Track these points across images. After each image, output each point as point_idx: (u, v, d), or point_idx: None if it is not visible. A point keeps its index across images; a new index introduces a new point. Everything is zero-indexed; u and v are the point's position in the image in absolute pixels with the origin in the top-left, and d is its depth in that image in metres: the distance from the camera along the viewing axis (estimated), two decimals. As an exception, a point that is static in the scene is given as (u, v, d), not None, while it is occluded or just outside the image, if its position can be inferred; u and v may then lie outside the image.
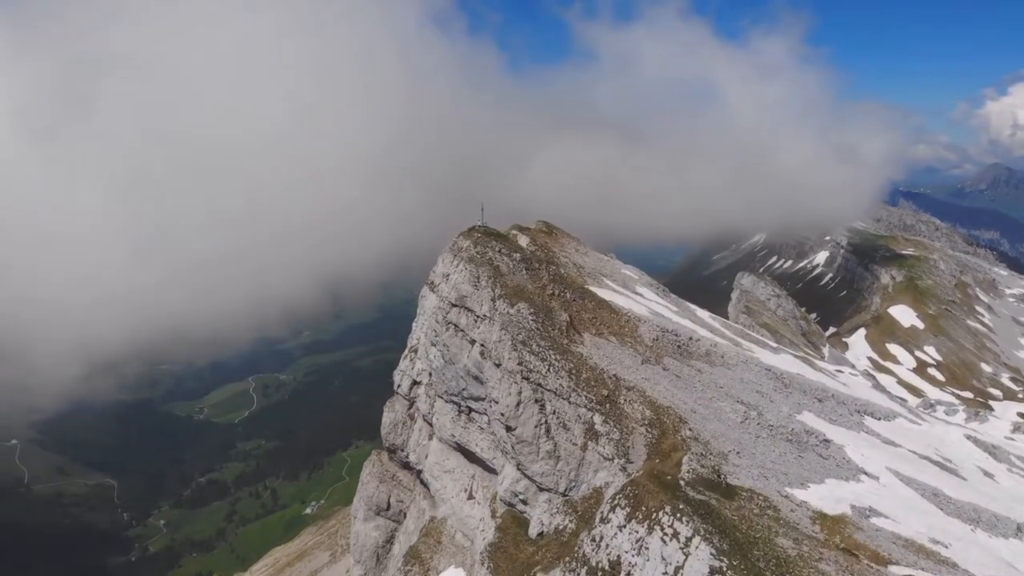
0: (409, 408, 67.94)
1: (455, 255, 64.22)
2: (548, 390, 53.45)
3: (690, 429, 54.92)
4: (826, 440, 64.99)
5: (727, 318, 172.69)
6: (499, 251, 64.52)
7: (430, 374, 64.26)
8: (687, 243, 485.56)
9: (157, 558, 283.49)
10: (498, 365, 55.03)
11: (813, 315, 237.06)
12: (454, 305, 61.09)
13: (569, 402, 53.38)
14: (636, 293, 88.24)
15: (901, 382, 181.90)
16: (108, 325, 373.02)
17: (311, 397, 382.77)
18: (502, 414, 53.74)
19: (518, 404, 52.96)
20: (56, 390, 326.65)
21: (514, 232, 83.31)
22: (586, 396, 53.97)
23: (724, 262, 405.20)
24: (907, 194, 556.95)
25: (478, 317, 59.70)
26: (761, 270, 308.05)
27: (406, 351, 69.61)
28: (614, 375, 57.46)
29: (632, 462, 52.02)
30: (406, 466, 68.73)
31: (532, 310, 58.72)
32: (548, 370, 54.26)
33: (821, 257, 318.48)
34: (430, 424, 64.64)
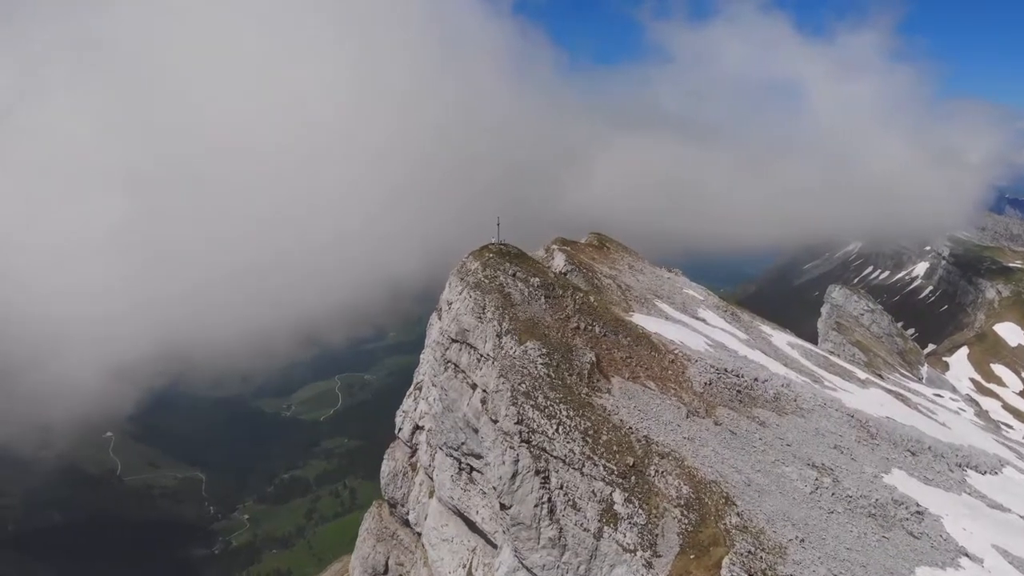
0: (411, 456, 55.90)
1: (461, 279, 51.84)
2: (554, 457, 40.50)
3: (739, 514, 41.14)
4: (919, 511, 50.90)
5: (816, 335, 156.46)
6: (513, 275, 51.72)
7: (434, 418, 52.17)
8: (776, 251, 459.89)
9: (239, 552, 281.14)
10: (494, 421, 42.39)
11: (910, 331, 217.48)
12: (454, 340, 48.72)
13: (582, 473, 40.29)
14: (696, 318, 74.08)
15: (1006, 406, 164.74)
16: (202, 322, 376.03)
17: (393, 397, 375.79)
18: (494, 487, 41.17)
19: (514, 476, 40.19)
20: (150, 384, 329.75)
21: (554, 247, 70.47)
22: (605, 466, 40.78)
23: (816, 271, 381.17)
24: (1014, 201, 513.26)
25: (481, 356, 47.17)
26: (855, 281, 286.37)
27: (411, 387, 57.59)
28: (645, 437, 44.00)
29: (660, 556, 38.69)
30: (408, 523, 56.80)
31: (545, 350, 45.78)
32: (556, 431, 41.31)
33: (920, 268, 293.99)
34: (431, 479, 52.48)
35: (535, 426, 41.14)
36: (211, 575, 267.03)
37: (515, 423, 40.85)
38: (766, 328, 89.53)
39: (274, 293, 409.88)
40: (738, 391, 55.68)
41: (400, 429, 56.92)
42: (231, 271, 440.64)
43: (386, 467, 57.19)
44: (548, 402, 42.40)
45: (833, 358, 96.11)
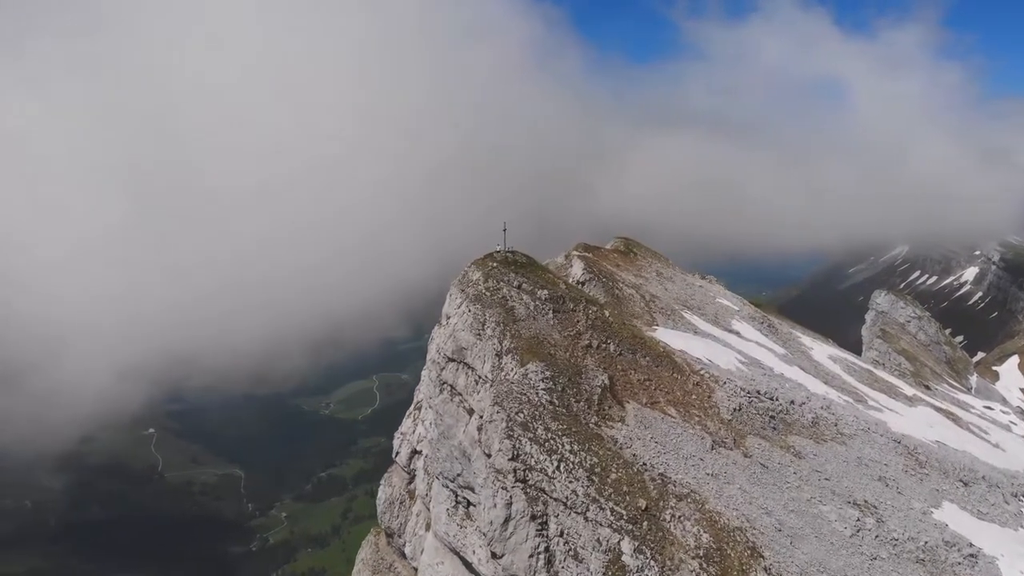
0: (409, 483, 50.35)
1: (461, 290, 46.20)
2: (554, 499, 34.71)
3: (767, 568, 34.98)
4: (972, 553, 44.91)
5: (860, 342, 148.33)
6: (518, 287, 45.91)
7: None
8: (820, 255, 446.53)
9: (276, 550, 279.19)
10: (487, 456, 36.71)
11: (959, 339, 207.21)
12: (450, 359, 43.16)
13: (586, 519, 34.43)
14: (729, 331, 67.56)
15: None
16: (244, 320, 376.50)
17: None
18: (483, 532, 35.55)
19: (506, 521, 34.50)
20: (193, 382, 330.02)
21: (574, 253, 64.60)
22: (612, 509, 34.87)
23: (861, 276, 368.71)
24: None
25: (479, 378, 41.53)
26: (902, 286, 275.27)
27: (411, 407, 52.08)
28: (661, 474, 37.98)
29: (674, 617, 32.78)
30: (405, 555, 51.34)
31: (549, 373, 39.95)
32: (557, 468, 35.49)
33: (969, 274, 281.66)
34: (429, 510, 46.93)
35: (533, 463, 35.38)
36: (248, 572, 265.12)
37: (509, 459, 35.15)
38: (806, 340, 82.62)
39: (311, 294, 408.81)
40: (771, 417, 49.33)
41: (397, 453, 51.43)
42: (266, 275, 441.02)
43: (382, 493, 51.77)
44: (549, 434, 36.59)
45: (878, 372, 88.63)
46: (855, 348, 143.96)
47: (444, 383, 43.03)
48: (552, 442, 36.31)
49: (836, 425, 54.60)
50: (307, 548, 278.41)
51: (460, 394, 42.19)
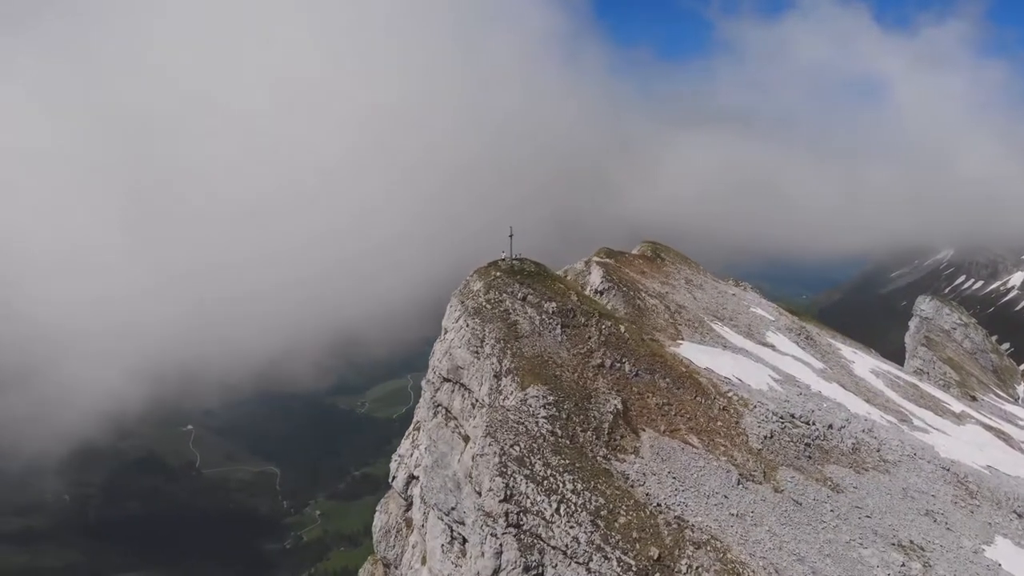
0: (406, 511, 45.67)
1: (461, 302, 41.37)
2: (552, 548, 29.77)
3: (800, 633, 29.66)
4: None
5: (903, 349, 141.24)
6: (522, 299, 40.92)
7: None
8: (862, 258, 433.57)
9: (309, 548, 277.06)
10: (478, 494, 31.84)
11: (1006, 346, 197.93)
12: (445, 379, 38.42)
13: (588, 570, 29.46)
14: (763, 344, 61.88)
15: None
16: (278, 320, 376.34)
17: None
18: (471, 584, 30.79)
19: (496, 572, 29.62)
20: (229, 380, 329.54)
21: (594, 260, 59.43)
22: (620, 559, 29.84)
23: (904, 280, 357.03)
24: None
25: (475, 402, 36.71)
26: (946, 291, 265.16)
27: (411, 427, 47.30)
28: (677, 517, 32.79)
29: None
30: (403, 587, 46.82)
31: (552, 397, 34.98)
32: (557, 511, 30.53)
33: (1017, 278, 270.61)
34: (425, 542, 42.23)
35: (528, 504, 30.48)
36: (281, 569, 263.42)
37: (501, 500, 30.26)
38: (846, 352, 76.55)
39: (345, 293, 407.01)
40: (807, 444, 43.82)
41: (394, 477, 46.68)
42: (301, 273, 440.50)
43: (378, 520, 47.16)
44: (549, 471, 31.63)
45: (923, 385, 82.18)
46: (897, 355, 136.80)
47: (438, 405, 38.37)
48: (552, 480, 31.37)
49: (879, 451, 49.05)
50: (340, 547, 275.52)
51: (455, 418, 37.50)
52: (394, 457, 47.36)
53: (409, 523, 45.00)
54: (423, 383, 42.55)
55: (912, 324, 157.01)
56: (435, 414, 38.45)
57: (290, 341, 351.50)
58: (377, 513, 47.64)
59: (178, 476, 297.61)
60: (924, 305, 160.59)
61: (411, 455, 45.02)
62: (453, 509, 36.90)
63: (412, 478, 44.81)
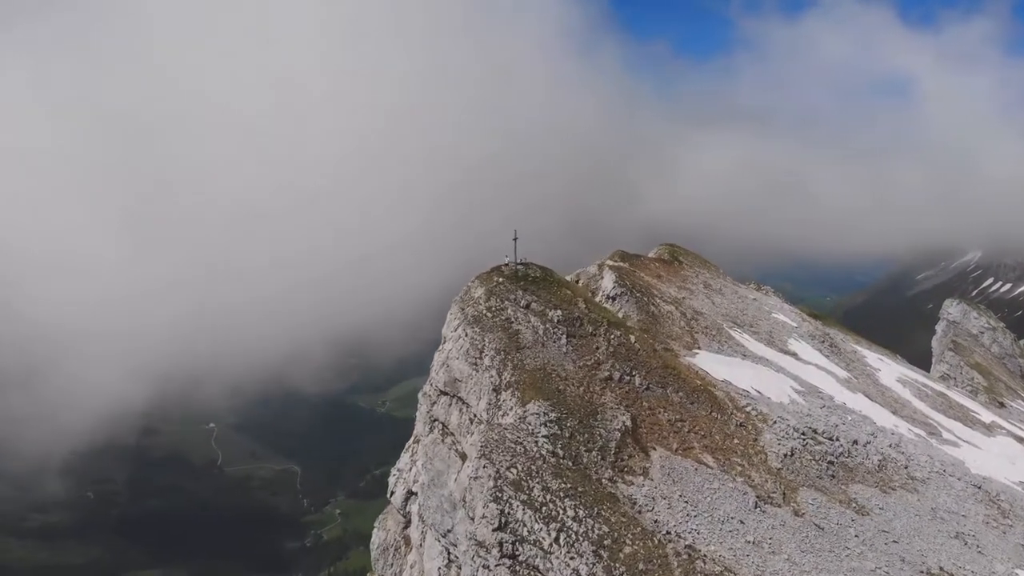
0: (404, 528, 43.13)
1: (461, 309, 38.73)
2: (550, 581, 27.08)
3: None
4: None
5: (930, 352, 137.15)
6: (526, 307, 38.19)
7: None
8: (888, 259, 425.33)
9: (328, 547, 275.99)
10: (471, 519, 29.20)
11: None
12: (443, 392, 35.85)
13: (588, 606, 26.75)
14: (785, 353, 58.70)
15: None
16: (299, 318, 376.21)
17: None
18: (461, 620, 28.15)
19: (487, 608, 26.98)
20: (253, 376, 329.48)
21: (608, 263, 56.57)
22: (623, 594, 27.07)
23: (930, 283, 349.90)
24: None
25: (473, 417, 34.07)
26: (974, 294, 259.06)
27: (411, 440, 44.72)
28: (688, 546, 29.95)
29: None
30: (401, 607, 44.27)
31: (554, 414, 32.25)
32: (556, 540, 27.80)
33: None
34: (423, 563, 39.62)
35: (525, 533, 27.78)
36: (301, 568, 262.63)
37: (495, 529, 27.58)
38: (872, 358, 73.19)
39: (364, 291, 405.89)
40: (830, 462, 40.76)
41: (392, 492, 44.19)
42: (320, 272, 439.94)
43: (376, 538, 44.73)
44: (548, 496, 28.92)
45: (952, 393, 78.59)
46: (923, 358, 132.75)
47: (435, 420, 35.80)
48: (551, 506, 28.66)
49: (907, 468, 45.95)
50: (359, 546, 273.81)
51: (452, 434, 34.91)
52: (393, 471, 44.89)
53: (408, 541, 42.47)
54: (420, 395, 39.98)
55: (939, 328, 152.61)
56: (431, 429, 35.89)
57: (311, 340, 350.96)
58: (375, 529, 45.23)
59: (200, 474, 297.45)
60: (951, 308, 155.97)
61: (410, 469, 42.49)
62: (449, 531, 34.31)
63: (411, 494, 42.26)
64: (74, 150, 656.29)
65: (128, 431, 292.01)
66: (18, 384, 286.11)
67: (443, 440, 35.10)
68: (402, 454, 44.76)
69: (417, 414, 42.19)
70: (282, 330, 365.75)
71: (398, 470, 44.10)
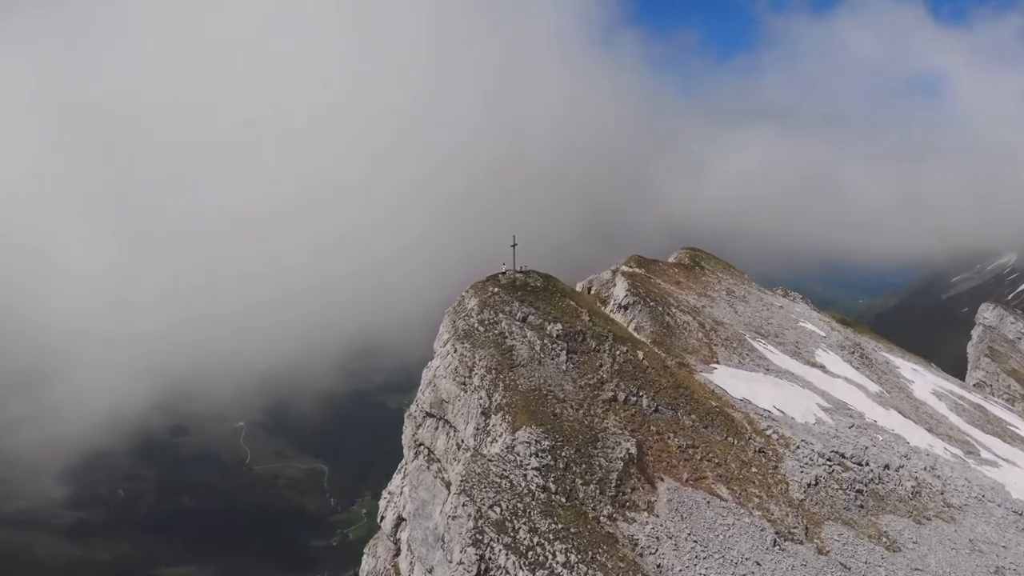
0: (395, 555, 39.74)
1: (452, 322, 35.17)
2: (535, 637, 23.49)
3: None
4: None
5: (965, 359, 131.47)
6: (522, 320, 34.55)
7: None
8: (921, 262, 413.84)
9: (354, 546, 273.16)
10: (449, 562, 25.69)
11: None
12: (429, 414, 32.35)
13: (579, 666, 23.09)
14: (812, 365, 54.38)
15: None
16: (326, 317, 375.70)
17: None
18: None
19: (462, 668, 23.44)
20: (280, 376, 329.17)
21: (622, 269, 52.70)
22: (619, 653, 23.39)
23: (965, 286, 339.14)
24: None
25: (460, 443, 30.54)
26: (1010, 298, 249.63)
27: (403, 460, 41.28)
28: (695, 595, 26.20)
29: None
30: (393, 639, 40.90)
31: (547, 443, 28.66)
32: (542, 590, 24.22)
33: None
34: (412, 593, 36.20)
35: (507, 581, 24.22)
36: (327, 566, 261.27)
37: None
38: (905, 369, 68.46)
39: (390, 291, 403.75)
40: (859, 491, 36.67)
41: (383, 517, 40.78)
42: (342, 272, 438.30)
43: (366, 565, 41.38)
44: (536, 539, 25.31)
45: (989, 405, 73.61)
46: (958, 364, 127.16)
47: (420, 444, 32.40)
48: (539, 550, 25.05)
49: (943, 494, 41.62)
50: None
51: (438, 460, 31.48)
52: (384, 494, 41.51)
53: (398, 570, 39.04)
54: (405, 416, 36.53)
55: (975, 333, 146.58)
56: (416, 454, 32.50)
57: (337, 339, 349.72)
58: (365, 556, 41.88)
59: (229, 472, 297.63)
60: (987, 313, 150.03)
61: (401, 493, 39.06)
62: (434, 568, 30.83)
63: (401, 520, 38.85)
64: (78, 153, 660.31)
65: (159, 430, 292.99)
66: (48, 382, 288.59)
67: (428, 467, 31.67)
68: (395, 475, 41.39)
69: (403, 437, 38.68)
70: (309, 329, 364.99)
71: (389, 493, 40.76)
